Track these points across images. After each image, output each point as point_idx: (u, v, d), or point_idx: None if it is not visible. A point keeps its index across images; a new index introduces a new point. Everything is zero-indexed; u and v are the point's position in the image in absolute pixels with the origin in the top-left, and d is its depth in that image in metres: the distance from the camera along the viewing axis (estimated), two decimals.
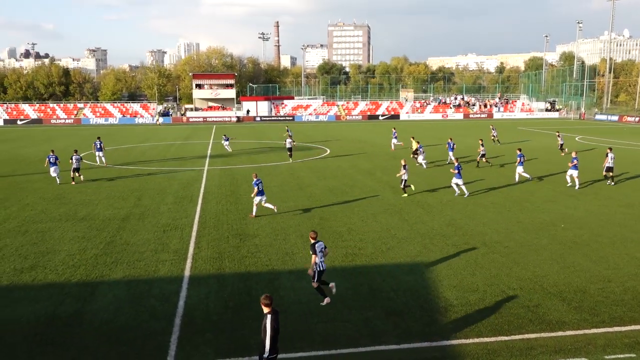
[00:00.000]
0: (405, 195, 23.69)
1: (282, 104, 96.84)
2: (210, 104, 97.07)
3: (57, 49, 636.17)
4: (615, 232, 17.81)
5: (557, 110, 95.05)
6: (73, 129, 74.02)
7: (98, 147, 34.51)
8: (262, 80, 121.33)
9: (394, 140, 42.71)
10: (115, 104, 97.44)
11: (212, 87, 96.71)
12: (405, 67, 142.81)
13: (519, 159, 26.56)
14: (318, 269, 12.02)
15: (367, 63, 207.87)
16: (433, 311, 11.73)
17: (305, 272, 13.56)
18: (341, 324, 11.17)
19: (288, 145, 37.11)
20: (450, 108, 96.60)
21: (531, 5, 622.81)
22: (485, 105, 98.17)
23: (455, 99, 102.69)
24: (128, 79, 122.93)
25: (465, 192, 23.49)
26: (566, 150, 37.53)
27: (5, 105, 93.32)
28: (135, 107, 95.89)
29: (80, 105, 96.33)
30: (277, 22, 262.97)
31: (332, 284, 12.36)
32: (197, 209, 21.52)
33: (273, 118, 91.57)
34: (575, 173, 25.35)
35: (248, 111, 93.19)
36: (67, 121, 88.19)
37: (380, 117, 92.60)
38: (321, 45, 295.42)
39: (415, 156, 33.35)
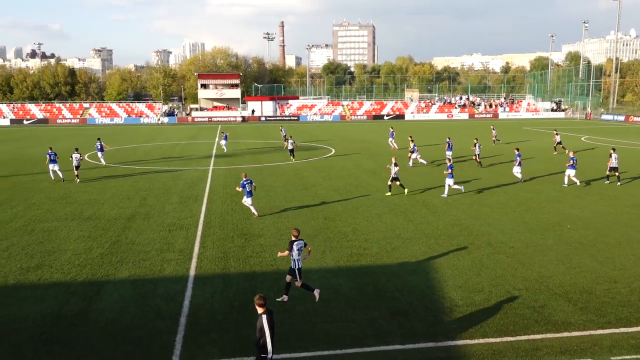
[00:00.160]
0: (389, 194, 23.75)
1: (287, 103, 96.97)
2: (216, 103, 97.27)
3: (63, 49, 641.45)
4: (622, 232, 17.72)
5: (563, 110, 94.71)
6: (79, 129, 74.34)
7: (99, 147, 35.22)
8: (267, 80, 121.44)
9: (391, 139, 42.58)
10: (121, 104, 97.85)
11: (217, 87, 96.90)
12: (410, 67, 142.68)
13: (517, 159, 26.53)
14: (297, 266, 11.98)
15: (372, 63, 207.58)
16: (438, 311, 11.71)
17: (309, 271, 13.61)
18: (346, 323, 11.17)
19: (290, 147, 36.98)
20: (456, 108, 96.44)
21: (537, 5, 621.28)
22: (491, 105, 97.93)
23: (461, 99, 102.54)
24: (133, 79, 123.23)
25: (445, 193, 23.50)
26: (566, 151, 37.28)
27: (11, 105, 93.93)
28: (141, 107, 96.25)
29: (85, 105, 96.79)
30: (282, 22, 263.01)
31: (316, 291, 12.03)
32: (202, 209, 21.58)
33: (278, 118, 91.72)
34: (572, 172, 25.48)
35: (253, 111, 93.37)
36: (72, 121, 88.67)
37: (385, 117, 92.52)
38: (326, 45, 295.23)
39: (410, 155, 33.32)
